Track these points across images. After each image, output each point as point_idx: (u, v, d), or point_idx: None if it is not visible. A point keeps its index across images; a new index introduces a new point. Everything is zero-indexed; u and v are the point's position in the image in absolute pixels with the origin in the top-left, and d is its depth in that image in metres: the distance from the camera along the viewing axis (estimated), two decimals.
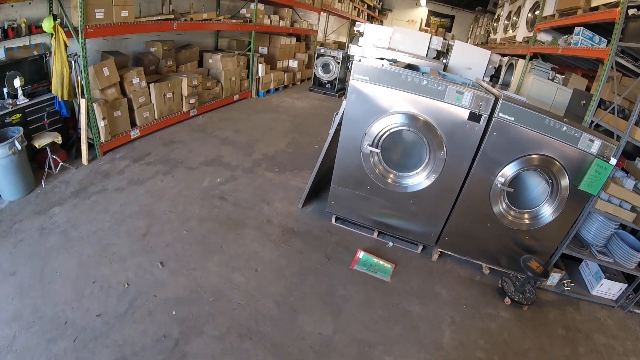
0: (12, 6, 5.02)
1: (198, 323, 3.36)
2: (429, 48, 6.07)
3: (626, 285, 4.45)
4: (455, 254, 4.70)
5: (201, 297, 3.64)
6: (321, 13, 15.01)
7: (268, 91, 11.37)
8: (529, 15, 7.95)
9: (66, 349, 2.96)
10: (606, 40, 5.00)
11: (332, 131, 4.69)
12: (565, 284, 4.55)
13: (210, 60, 9.12)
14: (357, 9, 18.93)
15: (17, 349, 2.91)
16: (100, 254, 3.96)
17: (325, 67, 12.32)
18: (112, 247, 4.09)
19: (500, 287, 4.38)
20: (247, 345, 3.24)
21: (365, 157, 4.40)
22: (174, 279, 3.79)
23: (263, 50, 11.79)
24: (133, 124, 6.64)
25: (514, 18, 9.15)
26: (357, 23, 6.69)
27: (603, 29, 5.04)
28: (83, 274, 3.68)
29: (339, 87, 12.60)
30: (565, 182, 3.93)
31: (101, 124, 5.73)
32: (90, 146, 5.74)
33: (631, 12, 4.06)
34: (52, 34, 4.92)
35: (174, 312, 3.42)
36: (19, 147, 4.44)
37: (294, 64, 13.02)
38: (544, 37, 6.94)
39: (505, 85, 7.23)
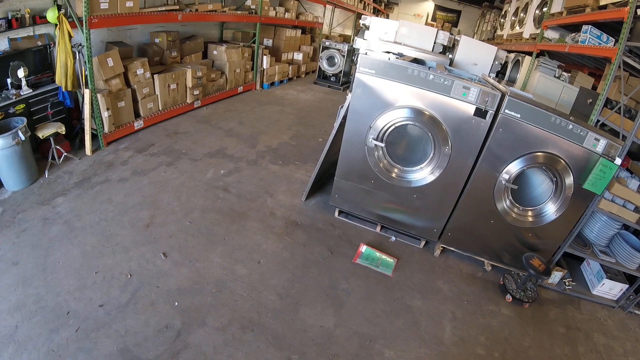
0: None
1: (200, 314, 3.37)
2: (435, 43, 6.06)
3: (627, 285, 4.44)
4: (458, 249, 4.70)
5: (204, 288, 3.65)
6: (327, 5, 14.94)
7: (272, 83, 11.34)
8: (537, 12, 7.90)
9: (68, 339, 2.97)
10: (614, 39, 4.96)
11: (336, 124, 4.67)
12: (567, 283, 4.55)
13: (215, 52, 9.09)
14: (363, 2, 18.78)
15: (20, 338, 2.93)
16: (103, 244, 3.98)
17: (330, 60, 12.28)
18: (115, 237, 4.10)
19: (502, 284, 4.38)
20: (249, 337, 3.25)
21: (370, 150, 4.39)
22: (177, 270, 3.80)
23: (268, 42, 11.74)
24: (137, 115, 6.64)
25: (521, 14, 9.09)
26: (362, 16, 6.65)
27: (611, 28, 5.01)
28: (86, 264, 3.69)
29: (344, 81, 12.57)
30: (569, 180, 3.92)
31: (105, 114, 5.73)
32: (94, 137, 5.74)
33: None
34: (56, 25, 4.91)
35: (176, 303, 3.43)
36: (23, 138, 4.44)
37: (298, 56, 12.98)
38: (551, 34, 6.90)
39: (511, 82, 7.20)
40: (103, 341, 3.01)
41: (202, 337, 3.17)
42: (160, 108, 7.12)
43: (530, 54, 7.16)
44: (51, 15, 4.86)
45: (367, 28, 6.34)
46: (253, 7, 9.84)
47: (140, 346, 3.02)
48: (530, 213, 4.25)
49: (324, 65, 12.37)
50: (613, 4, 4.79)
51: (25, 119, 4.63)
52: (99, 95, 5.56)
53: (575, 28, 5.98)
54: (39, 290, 3.35)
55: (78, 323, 3.11)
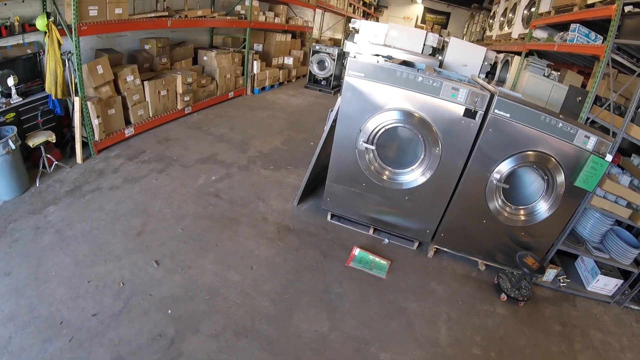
0: (5, 4, 4.96)
1: (193, 321, 3.35)
2: (424, 45, 6.08)
3: (622, 281, 4.47)
4: (451, 250, 4.70)
5: (196, 295, 3.62)
6: (316, 10, 14.99)
7: (263, 88, 11.33)
8: (525, 12, 7.96)
9: (62, 349, 2.94)
10: (602, 37, 5.00)
11: (327, 128, 4.67)
12: (561, 280, 4.56)
13: (205, 58, 9.07)
14: (352, 6, 18.89)
15: (13, 349, 2.89)
16: (95, 252, 3.94)
17: (321, 64, 12.29)
18: (107, 245, 4.07)
19: (496, 283, 4.39)
20: (243, 344, 3.23)
21: (361, 154, 4.39)
22: (169, 278, 3.77)
23: (258, 47, 11.76)
24: (127, 122, 6.60)
25: (510, 15, 9.16)
26: (352, 20, 6.67)
27: (599, 26, 5.04)
28: (78, 273, 3.66)
29: (335, 84, 12.59)
30: (561, 178, 3.93)
31: (95, 122, 5.69)
32: (85, 145, 5.70)
33: (627, 9, 4.07)
34: (45, 32, 4.87)
35: (170, 311, 3.41)
36: (13, 147, 4.40)
37: (289, 60, 12.99)
38: (540, 34, 6.95)
39: (501, 82, 7.24)
40: (97, 350, 2.98)
41: (196, 345, 3.15)
42: (151, 115, 7.09)
43: (519, 54, 7.21)
44: (40, 23, 4.83)
45: (357, 31, 6.35)
46: (243, 12, 9.84)
47: (134, 355, 2.99)
48: (522, 212, 4.26)
49: (315, 69, 12.39)
50: (600, 2, 4.83)
51: (15, 128, 4.59)
52: (89, 103, 5.52)
53: (563, 27, 6.02)
54: (31, 300, 3.31)
55: (71, 333, 3.08)
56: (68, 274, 3.63)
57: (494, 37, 10.44)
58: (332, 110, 4.59)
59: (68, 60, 5.20)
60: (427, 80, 3.89)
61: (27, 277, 3.54)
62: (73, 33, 5.04)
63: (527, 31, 7.35)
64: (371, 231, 4.94)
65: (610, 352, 3.88)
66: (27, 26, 5.15)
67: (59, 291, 3.44)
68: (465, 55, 5.98)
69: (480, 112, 3.82)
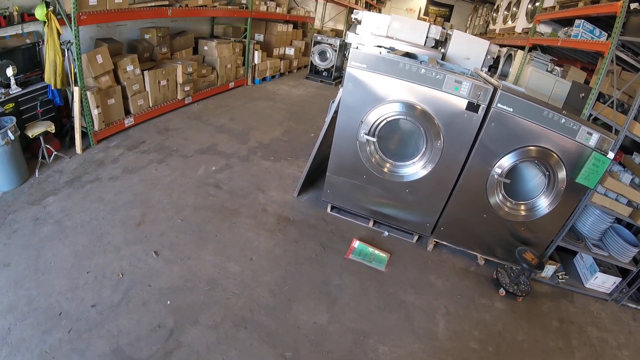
0: None
1: (193, 312, 3.36)
2: (427, 37, 6.03)
3: (620, 279, 4.46)
4: (451, 244, 4.70)
5: (196, 286, 3.63)
6: (319, 0, 14.86)
7: (264, 79, 11.30)
8: (529, 6, 7.92)
9: (61, 340, 2.94)
10: (607, 34, 4.97)
11: (328, 119, 4.65)
12: (560, 276, 4.57)
13: (206, 47, 9.02)
14: None
15: (12, 341, 2.89)
16: (94, 243, 3.94)
17: (322, 55, 12.23)
18: (106, 236, 4.06)
19: (495, 278, 4.39)
20: (242, 335, 3.24)
21: (362, 145, 4.38)
22: (169, 269, 3.77)
23: (259, 37, 11.67)
24: (127, 112, 6.57)
25: (514, 9, 9.11)
26: (354, 11, 6.61)
27: (604, 22, 5.01)
28: (77, 264, 3.66)
29: (336, 75, 12.55)
30: (562, 174, 3.92)
31: (95, 112, 5.67)
32: (84, 135, 5.68)
33: (633, 6, 4.02)
34: (44, 22, 4.82)
35: (169, 302, 3.41)
36: (12, 137, 4.38)
37: (290, 51, 12.93)
38: (544, 28, 6.91)
39: (504, 76, 7.22)
40: (96, 342, 2.98)
41: (195, 336, 3.16)
42: (151, 105, 7.06)
43: (522, 48, 7.17)
44: (39, 12, 4.78)
45: (359, 22, 6.30)
46: (244, 1, 9.75)
47: (133, 346, 3.00)
48: (522, 207, 4.25)
49: (316, 60, 12.33)
50: None
51: (14, 118, 4.56)
52: (88, 93, 5.50)
53: (567, 22, 5.99)
54: (30, 291, 3.31)
55: (70, 324, 3.08)
56: (67, 265, 3.63)
57: (497, 31, 10.39)
58: (333, 102, 4.57)
59: (67, 49, 5.16)
60: (430, 73, 3.86)
61: (26, 268, 3.54)
62: (72, 22, 5.00)
63: (531, 26, 7.31)
64: (371, 224, 4.94)
65: (606, 350, 3.89)
66: (26, 16, 5.11)
67: (58, 282, 3.44)
68: (468, 48, 5.94)
69: (483, 106, 3.80)
